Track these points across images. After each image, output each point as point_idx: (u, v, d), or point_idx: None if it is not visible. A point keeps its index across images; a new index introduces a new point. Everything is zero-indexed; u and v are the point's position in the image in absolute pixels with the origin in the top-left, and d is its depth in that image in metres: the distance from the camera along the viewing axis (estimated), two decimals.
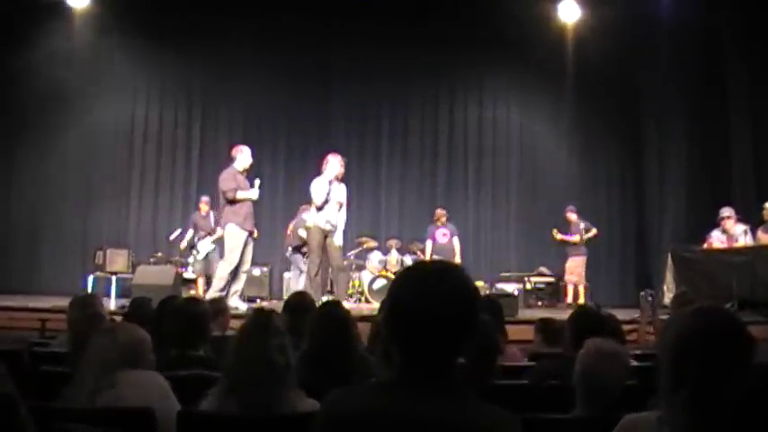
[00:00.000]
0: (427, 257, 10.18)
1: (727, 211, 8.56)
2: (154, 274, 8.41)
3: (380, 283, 9.91)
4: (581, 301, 10.11)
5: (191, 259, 9.98)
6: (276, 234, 11.61)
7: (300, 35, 11.64)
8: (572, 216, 10.58)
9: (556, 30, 11.23)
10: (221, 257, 9.57)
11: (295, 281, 9.72)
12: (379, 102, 12.55)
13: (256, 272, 10.47)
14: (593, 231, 10.58)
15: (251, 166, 8.03)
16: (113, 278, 9.77)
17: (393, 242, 10.69)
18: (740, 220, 8.57)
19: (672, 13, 10.50)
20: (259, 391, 2.32)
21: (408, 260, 10.27)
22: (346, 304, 4.33)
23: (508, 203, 12.51)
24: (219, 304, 4.66)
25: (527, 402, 2.77)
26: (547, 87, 12.09)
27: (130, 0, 11.15)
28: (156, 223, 12.07)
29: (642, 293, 7.23)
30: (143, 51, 11.67)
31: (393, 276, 8.84)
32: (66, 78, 11.08)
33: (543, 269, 11.20)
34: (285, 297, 5.49)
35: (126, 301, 7.20)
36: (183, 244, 10.04)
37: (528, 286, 10.96)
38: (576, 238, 10.45)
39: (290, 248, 9.89)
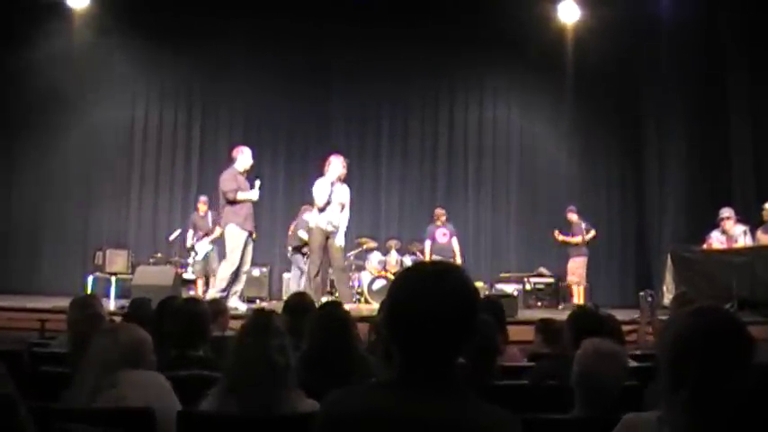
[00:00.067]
0: (427, 257, 10.18)
1: (726, 212, 8.56)
2: (153, 275, 8.41)
3: (380, 283, 9.91)
4: (580, 302, 10.10)
5: (190, 260, 9.98)
6: (276, 235, 11.62)
7: (300, 36, 11.64)
8: (573, 216, 10.56)
9: (555, 30, 11.23)
10: (219, 257, 9.60)
11: (295, 281, 9.72)
12: (379, 102, 12.55)
13: (256, 272, 10.49)
14: (593, 233, 10.57)
15: (251, 166, 8.04)
16: (113, 279, 9.78)
17: (393, 243, 10.69)
18: (740, 220, 8.57)
19: (672, 14, 10.50)
20: (259, 391, 2.32)
21: (408, 261, 10.27)
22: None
23: (508, 204, 12.50)
24: (219, 305, 4.67)
25: (526, 402, 2.77)
26: (547, 88, 12.09)
27: (131, 1, 11.15)
28: (156, 224, 12.07)
29: (642, 294, 7.23)
30: (143, 52, 11.67)
31: (392, 277, 8.86)
32: (66, 79, 11.08)
33: (543, 270, 11.19)
34: (285, 298, 5.49)
35: (125, 302, 7.20)
36: (189, 242, 10.01)
37: (528, 287, 10.95)
38: (578, 238, 10.42)
39: (290, 249, 9.90)
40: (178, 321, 3.32)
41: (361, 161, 12.10)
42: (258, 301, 9.92)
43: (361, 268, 10.40)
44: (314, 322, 3.22)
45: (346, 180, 7.88)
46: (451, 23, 11.28)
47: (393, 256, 10.43)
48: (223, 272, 7.81)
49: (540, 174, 12.40)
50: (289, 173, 12.25)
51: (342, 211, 7.72)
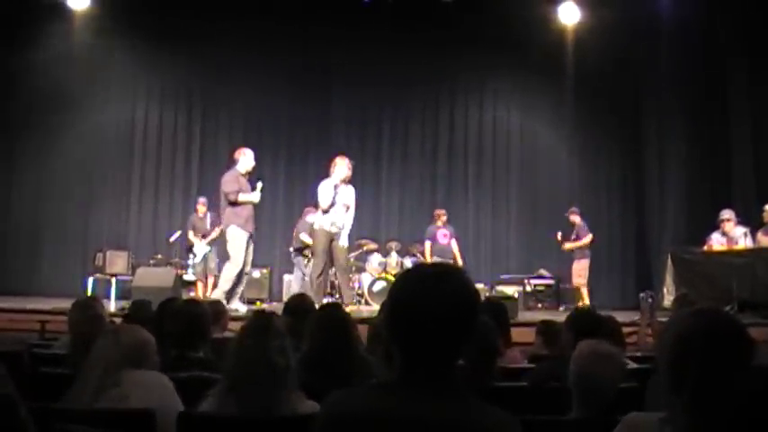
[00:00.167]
0: (428, 258, 10.17)
1: (726, 214, 8.55)
2: (154, 276, 8.41)
3: (380, 285, 9.92)
4: (580, 303, 10.08)
5: (190, 261, 9.98)
6: (276, 236, 11.63)
7: (301, 38, 11.65)
8: (575, 218, 10.50)
9: (556, 32, 11.24)
10: (218, 258, 9.62)
11: (297, 283, 9.74)
12: (379, 105, 12.54)
13: (256, 274, 10.49)
14: (590, 237, 10.52)
15: (253, 168, 8.05)
16: (113, 280, 9.77)
17: (393, 244, 10.70)
18: (740, 222, 8.57)
19: (672, 14, 10.50)
20: (259, 392, 2.32)
21: (408, 262, 10.27)
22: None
23: (508, 206, 12.49)
24: (218, 306, 4.67)
25: (525, 404, 2.77)
26: (547, 90, 12.08)
27: (131, 2, 11.16)
28: (156, 225, 12.06)
29: (642, 295, 7.22)
30: (144, 53, 11.67)
31: (393, 278, 8.86)
32: (67, 80, 11.08)
33: (543, 271, 11.17)
34: (285, 299, 5.49)
35: (126, 303, 7.21)
36: (192, 243, 10.00)
37: (528, 288, 10.94)
38: (585, 240, 10.36)
39: (292, 250, 9.92)
40: (178, 323, 3.32)
41: (362, 163, 12.04)
42: (258, 302, 9.91)
43: (361, 270, 10.40)
44: (314, 324, 3.22)
45: (350, 181, 7.89)
46: (452, 27, 11.27)
47: (393, 258, 10.44)
48: (228, 273, 7.82)
49: (541, 175, 12.39)
50: (289, 175, 12.25)
51: (347, 212, 7.73)
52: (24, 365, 3.24)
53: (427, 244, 10.40)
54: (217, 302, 5.18)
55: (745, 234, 8.43)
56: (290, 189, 12.12)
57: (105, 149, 12.10)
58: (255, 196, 7.88)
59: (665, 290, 8.61)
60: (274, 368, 2.33)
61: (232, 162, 8.07)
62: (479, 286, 9.46)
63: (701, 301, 7.33)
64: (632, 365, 3.41)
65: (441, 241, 10.37)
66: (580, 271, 10.34)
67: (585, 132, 12.14)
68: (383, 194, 12.51)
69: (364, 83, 12.02)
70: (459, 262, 10.13)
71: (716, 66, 10.56)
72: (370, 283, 9.99)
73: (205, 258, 9.86)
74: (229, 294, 7.69)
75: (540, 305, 10.73)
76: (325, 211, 7.59)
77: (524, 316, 8.28)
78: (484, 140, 12.65)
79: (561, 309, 10.17)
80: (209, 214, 9.97)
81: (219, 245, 9.33)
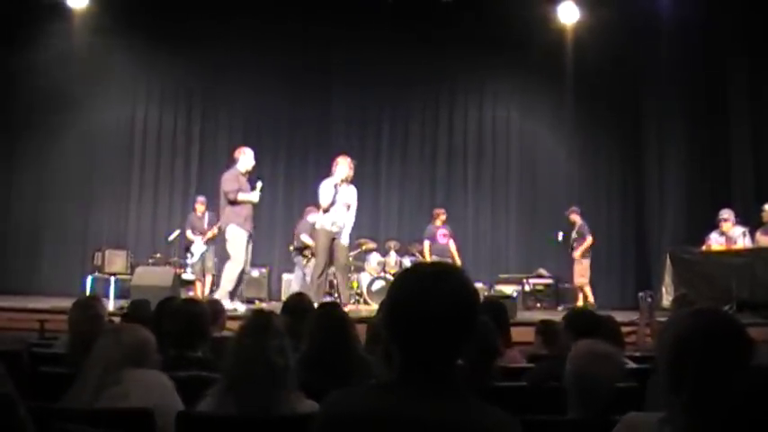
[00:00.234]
0: (426, 257, 10.17)
1: (725, 213, 8.55)
2: (153, 276, 8.41)
3: (379, 284, 9.93)
4: (583, 303, 10.10)
5: (188, 260, 9.98)
6: (275, 236, 11.64)
7: (301, 39, 11.64)
8: (576, 217, 10.49)
9: (556, 32, 11.23)
10: (216, 257, 9.62)
11: (297, 282, 9.74)
12: (379, 105, 12.54)
13: (255, 273, 10.49)
14: (590, 239, 10.50)
15: (253, 167, 8.05)
16: (112, 279, 9.77)
17: (392, 244, 10.70)
18: (739, 222, 8.57)
19: (671, 14, 10.50)
20: (258, 391, 2.32)
21: (407, 261, 10.27)
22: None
23: (507, 206, 12.48)
24: (216, 305, 4.67)
25: (525, 403, 2.77)
26: (546, 91, 12.07)
27: (131, 2, 11.15)
28: (156, 225, 12.06)
29: (641, 295, 7.23)
30: (143, 53, 11.66)
31: (392, 278, 8.86)
32: (66, 79, 11.07)
33: (542, 271, 11.17)
34: (284, 298, 5.49)
35: (125, 302, 7.21)
36: (196, 240, 9.99)
37: (527, 288, 10.94)
38: (589, 240, 10.34)
39: (292, 249, 9.92)
40: (177, 322, 3.31)
41: (361, 164, 12.02)
42: (257, 301, 9.91)
43: (360, 269, 10.40)
44: (313, 323, 3.22)
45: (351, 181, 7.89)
46: (452, 27, 11.27)
47: (392, 257, 10.44)
48: (230, 273, 7.82)
49: (540, 176, 12.39)
50: (288, 175, 12.25)
51: (348, 211, 7.74)
52: (24, 364, 3.24)
53: (426, 243, 10.40)
54: (215, 302, 5.18)
55: (744, 234, 8.43)
56: (289, 189, 12.12)
57: (105, 149, 12.10)
58: (255, 196, 7.88)
59: (664, 290, 8.61)
60: (273, 367, 2.32)
61: (232, 161, 8.07)
62: (478, 286, 9.46)
63: (700, 301, 7.36)
64: (631, 365, 3.41)
65: (440, 241, 10.37)
66: (582, 271, 10.33)
67: (585, 132, 12.13)
68: (382, 194, 12.50)
69: (364, 83, 12.01)
70: (457, 261, 10.13)
71: (716, 66, 10.56)
72: (368, 283, 9.99)
73: (202, 257, 9.86)
74: (233, 294, 7.70)
75: (538, 305, 10.74)
76: (326, 211, 7.60)
77: (523, 315, 8.28)
78: (483, 141, 12.65)
79: (560, 308, 10.17)
80: (207, 213, 9.97)
81: (217, 244, 9.34)
